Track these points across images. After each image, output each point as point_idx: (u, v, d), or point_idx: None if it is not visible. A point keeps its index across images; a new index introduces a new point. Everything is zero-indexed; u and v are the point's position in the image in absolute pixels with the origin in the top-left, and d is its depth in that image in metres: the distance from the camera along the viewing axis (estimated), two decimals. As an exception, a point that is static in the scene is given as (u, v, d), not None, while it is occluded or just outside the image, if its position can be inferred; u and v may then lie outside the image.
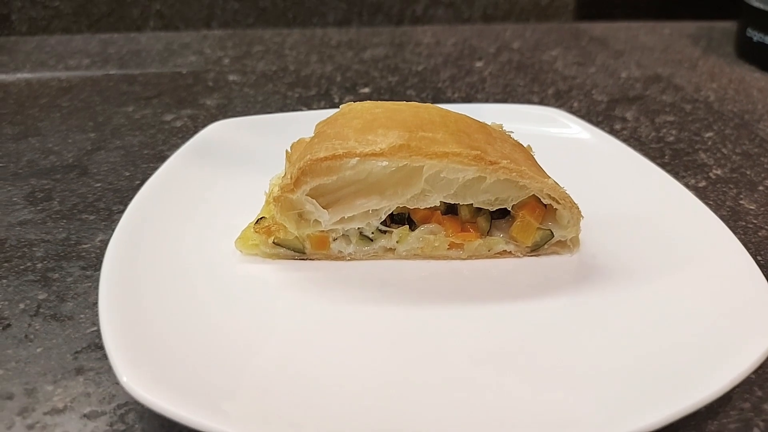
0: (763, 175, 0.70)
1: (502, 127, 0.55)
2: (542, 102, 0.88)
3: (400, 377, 0.40)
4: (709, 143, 0.77)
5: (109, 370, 0.43)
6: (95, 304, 0.49)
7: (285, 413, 0.36)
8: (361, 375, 0.40)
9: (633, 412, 0.36)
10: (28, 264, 0.54)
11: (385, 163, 0.48)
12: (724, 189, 0.67)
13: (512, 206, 0.51)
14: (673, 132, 0.80)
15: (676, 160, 0.73)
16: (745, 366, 0.38)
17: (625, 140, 0.77)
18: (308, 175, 0.47)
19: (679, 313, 0.44)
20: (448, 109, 0.54)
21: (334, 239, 0.51)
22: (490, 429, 0.36)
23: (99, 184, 0.67)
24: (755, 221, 0.61)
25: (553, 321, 0.45)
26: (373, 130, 0.48)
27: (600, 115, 0.85)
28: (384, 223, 0.51)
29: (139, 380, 0.36)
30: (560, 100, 0.89)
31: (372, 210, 0.50)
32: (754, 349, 0.38)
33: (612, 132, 0.79)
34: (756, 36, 1.01)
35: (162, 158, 0.71)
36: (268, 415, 0.36)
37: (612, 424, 0.36)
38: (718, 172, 0.70)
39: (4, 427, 0.39)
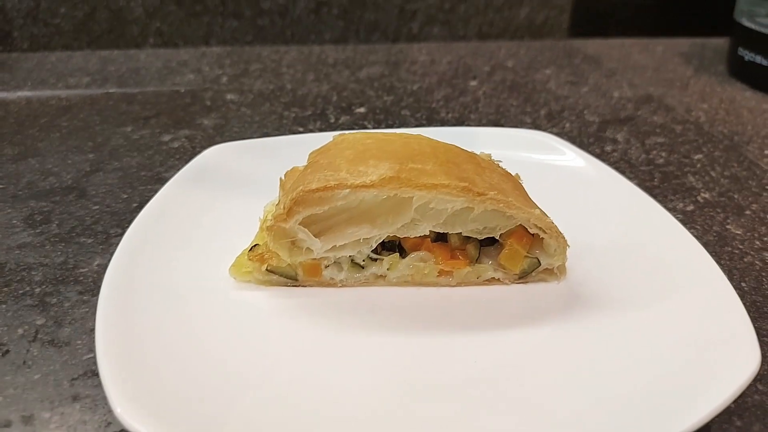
0: (750, 199, 0.71)
1: (490, 157, 0.56)
2: (534, 123, 0.90)
3: (391, 404, 0.41)
4: (698, 166, 0.78)
5: (105, 397, 0.44)
6: (92, 329, 0.50)
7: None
8: (352, 402, 0.41)
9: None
10: (27, 288, 0.55)
11: (375, 193, 0.49)
12: (711, 213, 0.68)
13: (500, 235, 0.52)
14: (663, 154, 0.81)
15: (665, 183, 0.74)
16: (723, 397, 0.39)
17: (615, 162, 0.78)
18: (300, 205, 0.49)
19: (660, 342, 0.45)
20: (441, 134, 0.55)
21: (326, 266, 0.52)
22: None
23: (96, 207, 0.68)
24: (741, 246, 0.62)
25: (539, 349, 0.46)
26: (364, 161, 0.49)
27: (591, 136, 0.86)
28: (375, 250, 0.52)
29: (133, 412, 0.37)
30: (552, 121, 0.91)
31: (363, 238, 0.51)
32: (732, 380, 0.39)
33: (602, 154, 0.80)
34: (747, 55, 1.03)
35: (159, 180, 0.73)
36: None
37: None
38: (706, 195, 0.71)
39: (1, 455, 0.40)
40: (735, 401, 0.44)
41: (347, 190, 0.48)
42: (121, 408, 0.37)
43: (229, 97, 0.98)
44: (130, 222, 0.57)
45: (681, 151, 0.82)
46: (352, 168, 0.49)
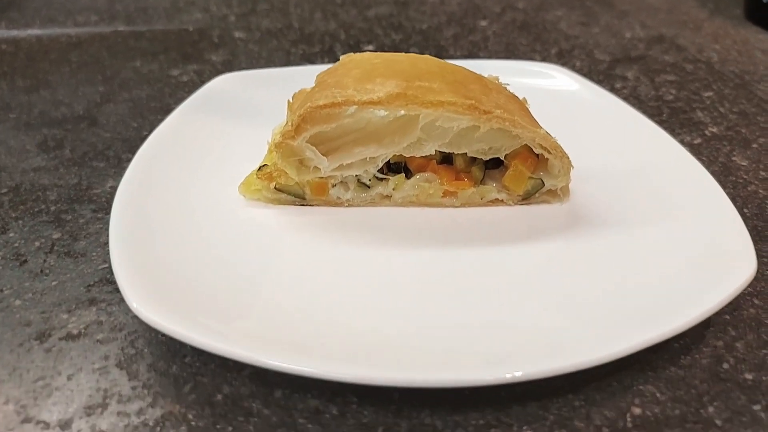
0: (758, 133, 0.71)
1: (498, 80, 0.56)
2: (544, 61, 0.89)
3: (393, 309, 0.43)
4: (707, 102, 0.78)
5: (120, 301, 0.46)
6: (107, 243, 0.51)
7: (280, 335, 0.39)
8: (354, 307, 0.43)
9: (614, 338, 0.38)
10: (43, 206, 0.57)
11: (383, 113, 0.49)
12: (717, 146, 0.68)
13: (505, 156, 0.52)
14: (672, 91, 0.81)
15: (672, 118, 0.74)
16: (718, 299, 0.40)
17: (625, 98, 0.77)
18: (308, 123, 0.49)
19: (661, 256, 0.46)
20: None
21: (333, 186, 0.53)
22: (487, 356, 0.39)
23: (108, 134, 0.69)
24: (746, 176, 0.62)
25: (543, 262, 0.47)
26: (371, 80, 0.50)
27: (601, 74, 0.85)
28: (381, 171, 0.53)
29: (146, 304, 0.38)
30: (562, 59, 0.90)
31: (369, 158, 0.52)
32: (727, 285, 0.40)
33: (612, 90, 0.80)
34: (765, -3, 1.01)
35: (169, 111, 0.73)
36: (263, 337, 0.39)
37: (596, 349, 0.37)
38: (714, 129, 0.71)
39: (23, 351, 0.42)
40: (731, 313, 0.45)
41: (354, 107, 0.48)
42: (136, 302, 0.39)
43: (237, 34, 0.98)
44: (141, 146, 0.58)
45: (691, 88, 0.82)
46: (359, 86, 0.49)
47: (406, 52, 0.91)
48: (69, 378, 0.40)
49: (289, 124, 0.51)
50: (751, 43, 0.96)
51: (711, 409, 0.38)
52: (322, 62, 0.88)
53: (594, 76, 0.84)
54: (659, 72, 0.86)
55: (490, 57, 0.90)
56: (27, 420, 0.37)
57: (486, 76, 0.56)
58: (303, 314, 0.42)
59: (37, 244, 0.52)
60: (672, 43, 0.96)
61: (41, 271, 0.49)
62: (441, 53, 0.91)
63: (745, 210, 0.57)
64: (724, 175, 0.62)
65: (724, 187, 0.59)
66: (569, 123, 0.59)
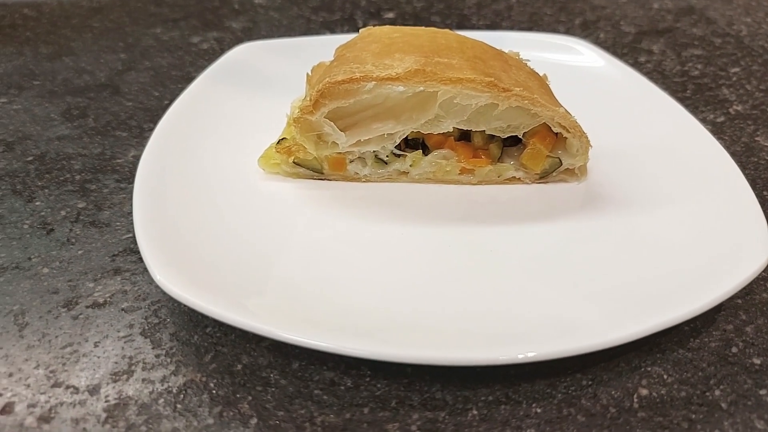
0: (784, 112, 0.69)
1: (518, 55, 0.56)
2: (568, 32, 0.87)
3: (408, 285, 0.43)
4: (734, 79, 0.76)
5: (144, 271, 0.47)
6: (130, 213, 0.53)
7: (298, 309, 0.40)
8: (370, 282, 0.44)
9: (626, 321, 0.39)
10: (68, 176, 0.58)
11: (401, 89, 0.49)
12: (741, 125, 0.67)
13: (523, 134, 0.52)
14: (699, 66, 0.79)
15: (697, 95, 0.73)
16: (729, 287, 0.40)
17: (648, 73, 0.76)
18: (326, 98, 0.49)
19: (676, 239, 0.46)
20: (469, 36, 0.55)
21: (351, 161, 0.54)
22: (500, 335, 0.39)
23: (130, 103, 0.70)
24: (768, 157, 0.62)
25: (558, 242, 0.48)
26: (390, 55, 0.50)
27: (626, 47, 0.84)
28: (399, 147, 0.53)
29: (170, 277, 0.40)
30: (587, 30, 0.88)
31: (387, 134, 0.52)
32: (739, 272, 0.40)
33: (636, 65, 0.78)
34: (801, -34, 0.97)
35: (189, 79, 0.74)
36: (281, 311, 0.40)
37: (610, 331, 0.38)
38: (739, 108, 0.70)
39: (52, 317, 0.44)
40: (743, 297, 0.46)
41: (372, 83, 0.48)
42: (160, 275, 0.40)
43: (257, 1, 0.97)
44: (162, 117, 0.59)
45: (718, 63, 0.80)
46: (378, 61, 0.49)
47: (427, 20, 0.90)
48: (96, 345, 0.42)
49: (308, 99, 0.51)
50: (784, 16, 0.93)
51: (717, 392, 0.39)
52: (342, 30, 0.87)
53: (618, 50, 0.83)
54: (686, 46, 0.84)
55: (513, 27, 0.88)
56: (57, 384, 0.39)
57: (506, 51, 0.56)
58: (320, 288, 0.43)
59: (63, 213, 0.54)
60: (701, 15, 0.93)
61: (67, 240, 0.51)
62: (463, 22, 0.90)
63: (765, 193, 0.57)
64: (746, 155, 0.62)
65: (745, 168, 0.59)
66: (589, 99, 0.59)
